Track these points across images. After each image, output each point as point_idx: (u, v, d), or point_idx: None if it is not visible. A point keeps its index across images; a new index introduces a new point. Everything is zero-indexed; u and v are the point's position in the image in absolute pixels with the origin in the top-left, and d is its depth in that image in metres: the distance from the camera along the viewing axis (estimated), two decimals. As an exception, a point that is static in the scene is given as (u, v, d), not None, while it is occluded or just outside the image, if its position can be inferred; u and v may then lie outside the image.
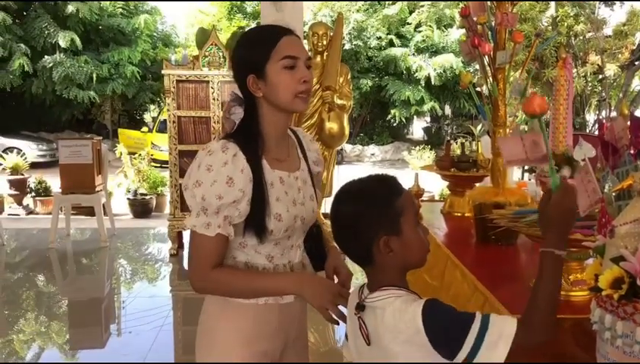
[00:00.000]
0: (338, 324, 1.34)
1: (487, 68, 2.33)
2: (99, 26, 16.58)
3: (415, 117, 19.25)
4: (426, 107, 17.45)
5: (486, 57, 2.30)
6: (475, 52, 2.28)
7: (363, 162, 18.12)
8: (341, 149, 15.59)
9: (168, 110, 5.58)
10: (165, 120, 6.07)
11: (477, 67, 2.49)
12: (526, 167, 3.12)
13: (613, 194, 1.29)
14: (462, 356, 1.04)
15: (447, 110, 14.36)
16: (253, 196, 1.36)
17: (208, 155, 1.35)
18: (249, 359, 1.44)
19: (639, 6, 11.11)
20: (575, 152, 1.56)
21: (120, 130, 16.28)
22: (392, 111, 17.72)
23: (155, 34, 18.22)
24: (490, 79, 2.32)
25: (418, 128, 22.23)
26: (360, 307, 1.16)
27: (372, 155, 18.64)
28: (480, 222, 2.24)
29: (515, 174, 2.85)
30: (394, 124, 18.61)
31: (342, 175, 4.33)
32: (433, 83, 16.87)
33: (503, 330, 1.04)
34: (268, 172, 1.41)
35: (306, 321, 1.65)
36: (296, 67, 1.38)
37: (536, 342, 1.07)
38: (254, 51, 1.39)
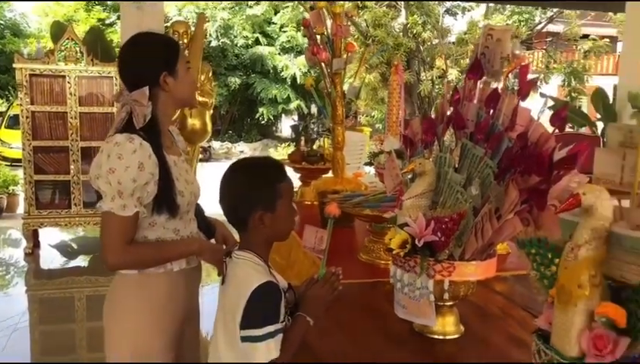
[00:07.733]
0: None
1: (327, 73, 2.66)
2: None
3: (283, 115, 19.70)
4: (292, 105, 17.96)
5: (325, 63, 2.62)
6: (315, 59, 2.60)
7: (232, 159, 18.12)
8: (209, 146, 15.55)
9: (21, 105, 5.37)
10: (16, 115, 5.78)
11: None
12: (366, 160, 3.54)
13: (408, 177, 1.64)
14: (243, 333, 1.29)
15: (313, 109, 14.85)
16: (161, 178, 1.59)
17: (116, 146, 1.54)
18: (162, 324, 1.66)
19: (478, 17, 12.46)
20: (384, 145, 1.91)
21: (-38, 126, 14.85)
22: (260, 110, 17.99)
23: (1, 22, 16.86)
24: (329, 83, 2.65)
25: (286, 126, 22.71)
26: (229, 254, 1.44)
27: (241, 152, 18.74)
28: (322, 207, 2.56)
29: (355, 166, 3.24)
30: (263, 122, 18.91)
31: (210, 172, 4.40)
32: (299, 82, 17.40)
33: (274, 349, 1.28)
34: (167, 157, 1.64)
35: (199, 295, 1.89)
36: (190, 69, 1.72)
37: None
38: (167, 52, 1.67)
